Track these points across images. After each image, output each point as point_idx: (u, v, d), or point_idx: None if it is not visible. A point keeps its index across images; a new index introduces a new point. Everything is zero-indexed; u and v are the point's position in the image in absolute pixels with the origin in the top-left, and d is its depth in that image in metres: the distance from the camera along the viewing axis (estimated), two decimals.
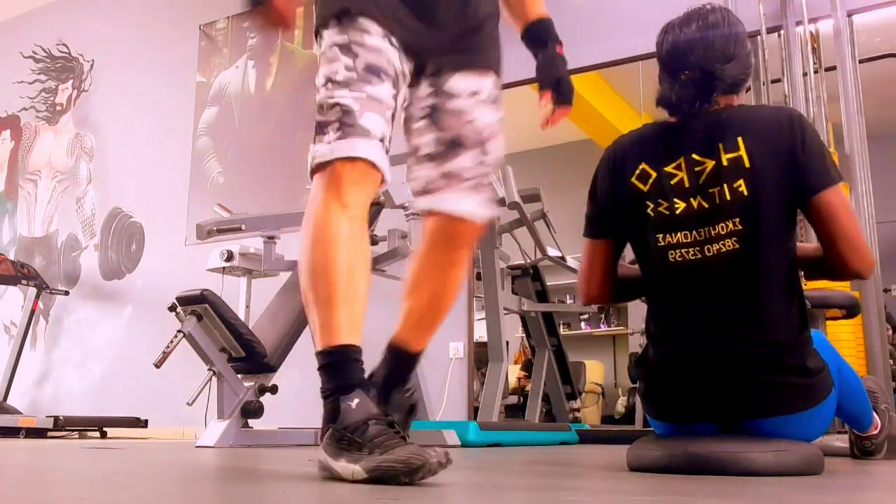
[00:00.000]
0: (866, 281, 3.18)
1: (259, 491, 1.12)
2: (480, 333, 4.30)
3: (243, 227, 3.68)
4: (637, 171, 1.60)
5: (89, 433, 4.45)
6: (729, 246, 1.51)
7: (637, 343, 5.22)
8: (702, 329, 1.53)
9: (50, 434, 4.19)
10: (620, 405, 5.41)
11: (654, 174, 1.59)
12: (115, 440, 3.99)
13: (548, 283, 4.88)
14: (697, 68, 1.57)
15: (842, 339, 3.09)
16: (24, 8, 6.56)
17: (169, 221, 5.31)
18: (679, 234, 1.55)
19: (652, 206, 1.58)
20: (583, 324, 5.88)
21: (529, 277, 4.78)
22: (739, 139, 1.52)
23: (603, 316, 5.80)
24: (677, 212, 1.55)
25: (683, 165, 1.56)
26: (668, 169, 1.58)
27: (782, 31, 3.60)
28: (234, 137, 5.27)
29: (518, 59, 4.71)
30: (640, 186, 1.60)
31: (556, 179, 5.12)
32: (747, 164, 1.50)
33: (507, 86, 5.15)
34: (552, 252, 4.61)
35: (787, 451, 1.41)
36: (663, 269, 1.57)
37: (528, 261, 4.74)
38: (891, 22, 3.87)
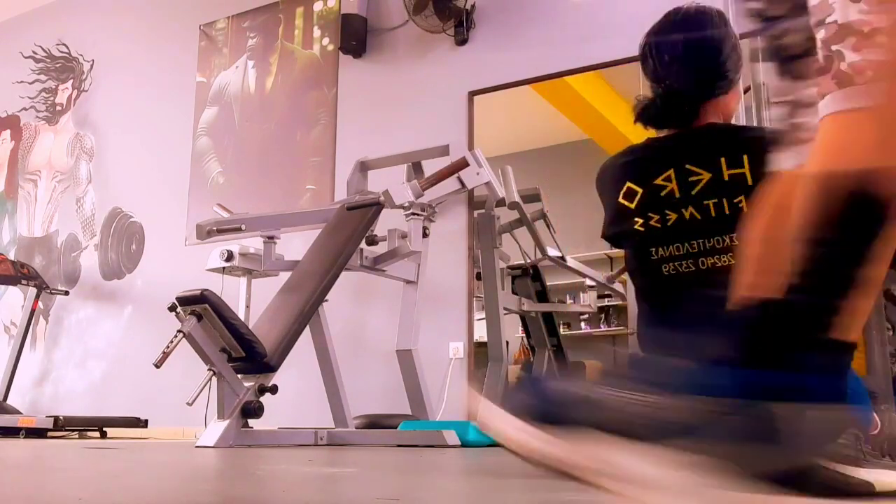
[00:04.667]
0: None
1: (259, 491, 1.12)
2: (480, 333, 4.30)
3: (243, 227, 3.68)
4: (623, 190, 1.61)
5: (89, 433, 4.45)
6: (725, 261, 1.50)
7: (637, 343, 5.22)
8: (697, 343, 1.52)
9: (50, 434, 4.19)
10: None
11: (640, 190, 1.59)
12: (115, 440, 3.99)
13: (548, 283, 4.88)
14: (681, 78, 1.56)
15: None
16: (24, 8, 6.56)
17: (169, 221, 5.31)
18: (671, 246, 1.55)
19: (641, 220, 1.58)
20: (583, 324, 5.88)
21: (529, 277, 4.78)
22: (745, 157, 1.51)
23: (603, 316, 5.80)
24: (669, 223, 1.55)
25: (674, 176, 1.56)
26: (658, 182, 1.57)
27: None
28: (234, 137, 5.27)
29: (518, 59, 4.71)
30: (628, 205, 1.60)
31: (556, 179, 5.12)
32: (750, 182, 1.49)
33: (507, 86, 5.11)
34: (552, 252, 4.61)
35: None
36: (658, 284, 1.57)
37: (528, 261, 4.74)
38: None
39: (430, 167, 3.98)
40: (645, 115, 1.61)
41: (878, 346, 3.17)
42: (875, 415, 1.95)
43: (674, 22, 1.60)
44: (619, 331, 5.72)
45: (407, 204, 3.56)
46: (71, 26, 6.27)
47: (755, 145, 1.54)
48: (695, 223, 1.53)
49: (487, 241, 4.20)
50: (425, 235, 3.65)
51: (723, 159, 1.52)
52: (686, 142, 1.58)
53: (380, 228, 3.64)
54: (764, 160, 1.51)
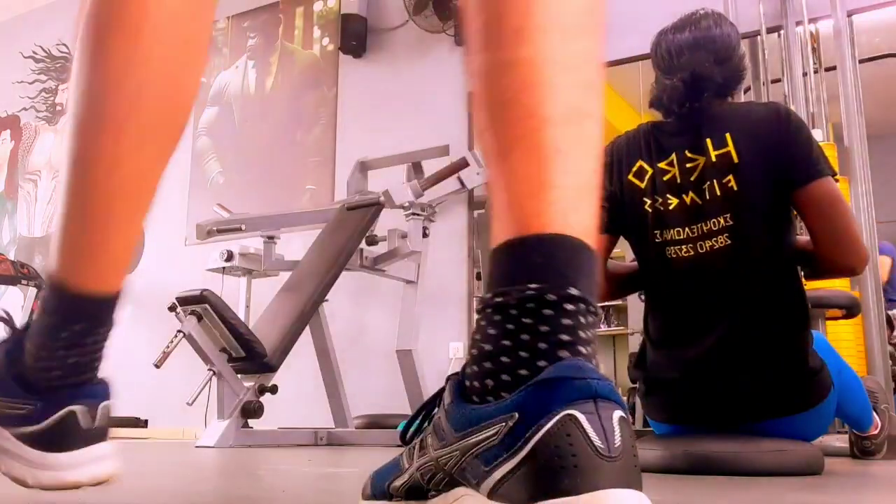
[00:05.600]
0: (866, 281, 3.18)
1: (259, 491, 1.12)
2: None
3: (243, 227, 3.68)
4: (634, 169, 1.62)
5: None
6: (721, 242, 1.51)
7: (637, 343, 5.23)
8: (698, 329, 1.53)
9: None
10: None
11: (650, 170, 1.60)
12: (115, 440, 3.99)
13: None
14: (687, 70, 1.58)
15: (842, 339, 3.09)
16: (24, 8, 6.56)
17: (169, 221, 5.31)
18: (672, 230, 1.56)
19: (650, 202, 1.59)
20: None
21: None
22: (727, 135, 1.53)
23: (603, 316, 5.80)
24: (670, 208, 1.56)
25: (675, 162, 1.58)
26: (662, 165, 1.59)
27: (782, 31, 3.60)
28: (234, 137, 5.27)
29: None
30: (638, 183, 1.61)
31: None
32: (735, 160, 1.51)
33: None
34: None
35: (787, 451, 1.41)
36: (661, 267, 1.58)
37: None
38: (891, 22, 3.87)
39: (430, 167, 3.98)
40: (656, 102, 1.62)
41: (878, 346, 3.17)
42: (875, 415, 1.95)
43: (689, 24, 1.63)
44: (619, 331, 5.73)
45: (407, 204, 3.56)
46: (71, 26, 6.26)
47: (737, 121, 1.55)
48: (694, 208, 1.54)
49: (487, 241, 4.19)
50: (425, 235, 3.65)
51: (709, 141, 1.54)
52: (682, 127, 1.59)
53: (380, 228, 3.63)
54: (746, 134, 1.52)
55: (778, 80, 3.56)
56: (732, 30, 1.65)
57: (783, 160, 1.49)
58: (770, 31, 3.63)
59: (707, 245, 1.53)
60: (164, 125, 0.79)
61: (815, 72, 3.54)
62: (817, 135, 3.44)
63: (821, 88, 3.53)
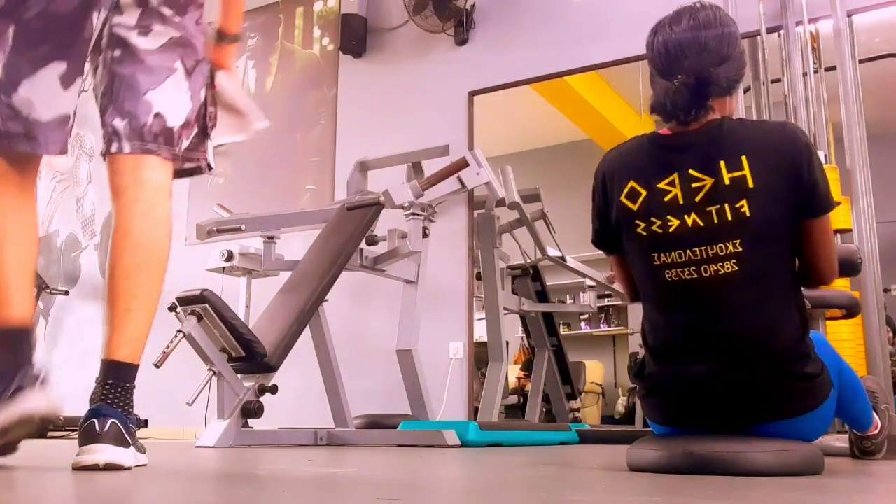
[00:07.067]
0: (866, 281, 3.18)
1: (259, 491, 1.12)
2: (480, 333, 4.30)
3: (243, 227, 3.68)
4: (626, 190, 1.56)
5: None
6: (728, 268, 1.47)
7: (637, 343, 5.23)
8: (701, 349, 1.51)
9: (50, 434, 4.19)
10: (620, 405, 5.41)
11: (644, 192, 1.54)
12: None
13: (548, 283, 4.89)
14: (692, 73, 1.53)
15: (842, 339, 3.09)
16: None
17: None
18: (674, 253, 1.51)
19: (643, 225, 1.54)
20: (583, 324, 5.88)
21: (529, 277, 4.78)
22: (743, 158, 1.47)
23: (603, 316, 5.80)
24: (671, 230, 1.51)
25: (677, 181, 1.51)
26: (661, 185, 1.53)
27: (782, 31, 3.60)
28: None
29: (518, 59, 4.71)
30: (630, 205, 1.56)
31: (556, 179, 5.12)
32: (751, 185, 1.45)
33: (507, 86, 5.11)
34: (552, 252, 4.61)
35: (787, 451, 1.41)
36: (660, 288, 1.55)
37: (528, 261, 4.74)
38: (891, 22, 3.87)
39: (430, 167, 3.98)
40: (659, 108, 1.57)
41: (879, 346, 3.17)
42: (875, 415, 1.95)
43: (687, 17, 1.57)
44: (619, 331, 5.73)
45: (407, 204, 3.56)
46: None
47: (753, 143, 1.51)
48: (697, 230, 1.49)
49: (487, 241, 4.20)
50: (425, 235, 3.65)
51: (722, 162, 1.49)
52: (686, 144, 1.54)
53: (380, 228, 3.64)
54: (763, 159, 1.49)
55: (778, 80, 3.56)
56: (732, 25, 1.61)
57: (799, 191, 1.47)
58: (770, 31, 3.63)
59: (712, 269, 1.48)
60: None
61: (815, 72, 3.54)
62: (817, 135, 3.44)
63: (821, 88, 3.53)
